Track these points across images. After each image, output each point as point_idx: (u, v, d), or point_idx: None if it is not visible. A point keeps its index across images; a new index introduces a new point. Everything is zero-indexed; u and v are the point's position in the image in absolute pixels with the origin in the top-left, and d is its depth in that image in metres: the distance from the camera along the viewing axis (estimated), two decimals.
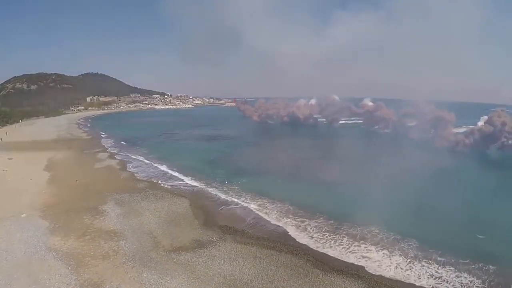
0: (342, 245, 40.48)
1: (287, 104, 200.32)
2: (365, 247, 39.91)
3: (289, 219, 48.02)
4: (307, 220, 47.51)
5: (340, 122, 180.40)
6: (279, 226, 46.15)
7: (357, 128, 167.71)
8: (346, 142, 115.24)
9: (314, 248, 39.66)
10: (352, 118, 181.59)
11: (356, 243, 40.83)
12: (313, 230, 44.34)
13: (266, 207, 52.96)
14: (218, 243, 40.30)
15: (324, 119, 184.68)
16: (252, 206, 53.46)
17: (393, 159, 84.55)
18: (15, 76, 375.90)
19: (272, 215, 49.76)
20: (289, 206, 52.64)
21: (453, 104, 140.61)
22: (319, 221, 47.05)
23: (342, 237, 42.49)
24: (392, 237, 41.71)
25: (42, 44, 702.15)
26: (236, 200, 56.69)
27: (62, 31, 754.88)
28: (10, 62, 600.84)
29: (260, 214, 50.53)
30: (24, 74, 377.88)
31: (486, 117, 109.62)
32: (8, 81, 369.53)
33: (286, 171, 75.03)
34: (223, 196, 58.80)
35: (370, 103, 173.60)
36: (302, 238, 42.41)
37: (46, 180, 69.26)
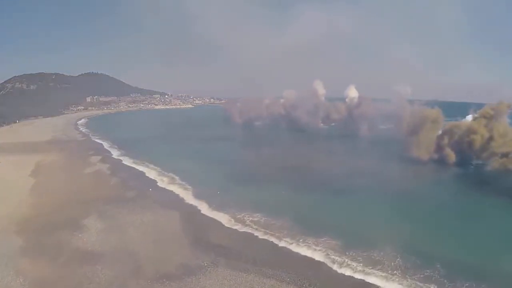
0: (355, 272, 34.95)
1: (272, 103, 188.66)
2: (380, 272, 34.62)
3: (290, 240, 42.11)
4: (311, 240, 41.65)
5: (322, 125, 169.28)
6: (279, 248, 40.56)
7: (337, 130, 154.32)
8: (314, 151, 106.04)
9: (322, 277, 34.04)
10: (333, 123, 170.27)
11: (371, 269, 35.37)
12: (319, 254, 38.61)
13: (264, 224, 47.08)
14: (209, 269, 34.78)
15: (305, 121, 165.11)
16: (248, 222, 47.68)
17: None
18: (15, 76, 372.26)
19: (271, 234, 43.83)
20: (289, 223, 46.55)
21: (448, 104, 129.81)
22: (324, 241, 41.22)
23: (353, 261, 36.86)
24: (412, 264, 35.99)
25: (42, 44, 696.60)
26: (230, 214, 50.58)
27: (63, 30, 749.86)
28: (10, 62, 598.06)
29: (257, 233, 44.60)
30: (24, 74, 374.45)
31: (476, 114, 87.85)
32: (8, 81, 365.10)
33: (277, 182, 68.11)
34: (215, 209, 52.77)
35: (355, 92, 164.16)
36: (307, 263, 36.81)
37: (29, 188, 64.56)
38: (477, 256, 38.35)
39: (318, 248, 39.90)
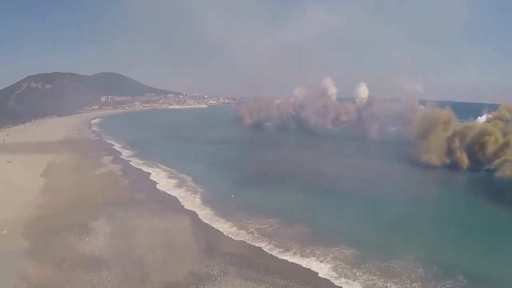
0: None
1: (283, 103, 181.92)
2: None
3: (306, 249, 39.61)
4: (328, 249, 39.26)
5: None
6: (293, 258, 38.21)
7: (347, 132, 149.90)
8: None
9: None
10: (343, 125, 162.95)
11: (386, 281, 33.12)
12: (330, 265, 36.30)
13: (277, 231, 44.74)
14: (218, 278, 33.01)
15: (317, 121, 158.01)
16: (260, 229, 45.23)
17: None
18: (30, 75, 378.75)
19: (285, 242, 41.53)
20: (305, 230, 44.41)
21: (460, 105, 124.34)
22: (339, 251, 38.91)
23: (367, 272, 34.61)
24: (433, 276, 33.74)
25: (57, 43, 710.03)
26: (242, 220, 48.14)
27: (78, 30, 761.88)
28: (26, 62, 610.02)
29: (268, 241, 42.05)
30: (39, 73, 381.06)
31: (490, 115, 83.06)
32: (24, 80, 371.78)
33: (295, 186, 65.63)
34: (228, 215, 50.31)
35: (365, 90, 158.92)
36: (322, 277, 34.47)
37: (40, 188, 63.95)
38: (500, 267, 35.80)
39: (330, 258, 37.62)
